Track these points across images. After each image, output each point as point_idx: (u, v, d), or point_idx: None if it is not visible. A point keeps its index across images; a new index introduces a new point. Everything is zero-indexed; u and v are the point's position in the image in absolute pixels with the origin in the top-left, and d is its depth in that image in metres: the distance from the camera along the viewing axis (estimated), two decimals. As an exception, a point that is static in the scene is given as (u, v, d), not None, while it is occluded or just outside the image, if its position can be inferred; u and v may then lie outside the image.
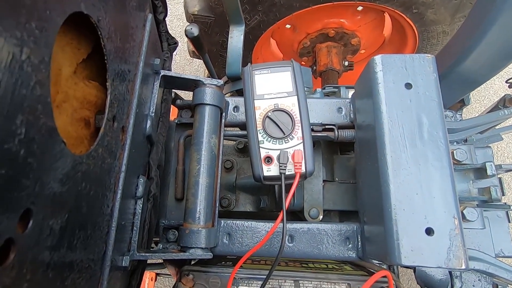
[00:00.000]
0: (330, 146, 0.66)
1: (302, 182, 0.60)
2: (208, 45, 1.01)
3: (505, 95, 0.86)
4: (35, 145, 0.18)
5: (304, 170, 0.46)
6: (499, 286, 0.74)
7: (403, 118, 0.42)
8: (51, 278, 0.21)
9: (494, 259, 0.66)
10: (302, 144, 0.47)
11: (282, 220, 0.43)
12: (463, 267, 0.35)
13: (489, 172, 0.55)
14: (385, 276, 0.38)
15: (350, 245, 0.49)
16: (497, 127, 0.77)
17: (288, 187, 0.45)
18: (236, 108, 0.58)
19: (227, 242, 0.50)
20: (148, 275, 0.98)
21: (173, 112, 0.69)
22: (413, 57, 0.44)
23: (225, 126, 0.57)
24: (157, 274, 0.99)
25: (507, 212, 0.79)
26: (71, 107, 0.29)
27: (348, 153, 0.68)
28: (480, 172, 0.58)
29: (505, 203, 0.59)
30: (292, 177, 0.46)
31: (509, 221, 0.79)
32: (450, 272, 0.72)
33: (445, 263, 0.35)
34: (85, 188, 0.26)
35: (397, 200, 0.38)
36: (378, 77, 0.44)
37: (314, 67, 1.24)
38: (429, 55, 0.45)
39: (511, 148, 1.60)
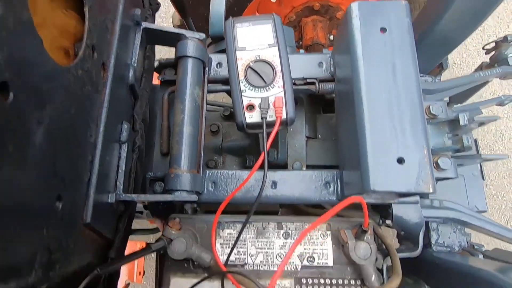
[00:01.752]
0: (313, 105, 0.68)
1: (286, 137, 0.62)
2: (193, 17, 1.01)
3: (482, 62, 0.89)
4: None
5: (285, 116, 0.48)
6: (475, 246, 0.78)
7: (379, 60, 0.44)
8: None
9: (467, 209, 0.70)
10: (283, 91, 0.49)
11: (263, 161, 0.44)
12: (431, 191, 0.38)
13: (461, 122, 0.58)
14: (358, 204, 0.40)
15: (330, 189, 0.51)
16: (477, 100, 0.79)
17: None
18: (219, 64, 0.59)
19: (212, 189, 0.52)
20: (138, 244, 0.99)
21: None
22: (387, 3, 0.46)
23: (209, 82, 0.58)
24: (147, 244, 1.00)
25: (481, 170, 0.83)
26: (50, 34, 0.30)
27: (330, 113, 0.70)
28: (454, 124, 0.60)
29: (480, 154, 0.62)
30: (273, 123, 0.48)
31: (483, 179, 0.83)
32: (427, 224, 0.76)
33: (415, 188, 0.38)
34: (67, 103, 0.27)
35: (372, 134, 0.40)
36: (354, 22, 0.46)
37: (300, 42, 1.25)
38: (403, 1, 0.46)
39: (491, 136, 1.64)
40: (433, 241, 0.77)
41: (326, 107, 0.71)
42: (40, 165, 0.23)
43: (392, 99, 0.42)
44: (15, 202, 0.21)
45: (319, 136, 0.66)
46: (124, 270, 1.05)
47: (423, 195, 0.39)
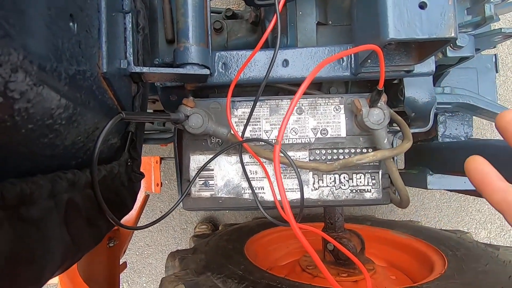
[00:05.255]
0: (323, -12, 0.63)
1: (295, 21, 0.59)
2: None
3: None
4: None
5: (297, -22, 0.44)
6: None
7: None
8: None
9: (477, 94, 0.70)
10: (293, -50, 0.44)
11: (276, 23, 0.42)
12: (453, 35, 0.36)
13: (485, -11, 0.53)
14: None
15: (343, 63, 0.50)
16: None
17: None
18: None
19: (223, 71, 0.51)
20: (153, 159, 1.03)
21: None
22: None
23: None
24: (161, 158, 1.04)
25: (495, 62, 0.80)
26: None
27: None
28: (476, -6, 0.56)
29: (501, 28, 0.59)
30: (284, -12, 0.44)
31: (497, 71, 0.81)
32: (435, 117, 0.77)
33: (436, 32, 0.36)
34: None
35: (392, -21, 0.37)
36: None
37: None
38: None
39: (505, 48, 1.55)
40: (439, 134, 0.79)
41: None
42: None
43: None
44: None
45: (330, 22, 0.62)
46: (142, 183, 1.11)
47: (444, 43, 0.38)
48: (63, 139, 0.26)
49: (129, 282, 1.59)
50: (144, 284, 1.58)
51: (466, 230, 1.31)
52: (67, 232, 0.24)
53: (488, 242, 0.99)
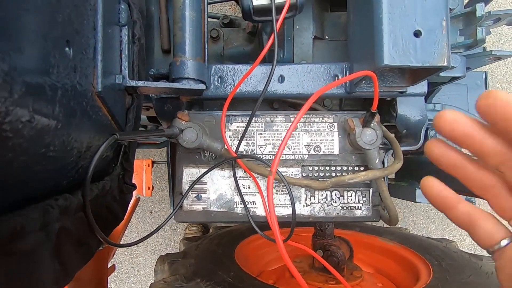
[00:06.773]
0: (321, 2, 0.63)
1: (292, 35, 0.59)
2: None
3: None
4: None
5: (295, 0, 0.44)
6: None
7: None
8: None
9: (466, 112, 0.72)
10: (292, -31, 0.44)
11: (274, 40, 0.42)
12: (445, 64, 0.37)
13: (478, 13, 0.54)
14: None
15: (338, 82, 0.51)
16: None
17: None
18: None
19: (219, 84, 0.51)
20: (144, 162, 1.02)
21: None
22: None
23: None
24: (153, 162, 1.03)
25: (485, 79, 0.82)
26: None
27: (338, 11, 0.66)
28: (469, 17, 0.57)
29: (491, 50, 0.60)
30: (282, 6, 0.44)
31: (486, 88, 0.83)
32: (425, 132, 0.79)
33: (430, 61, 0.37)
34: None
35: (390, 6, 0.38)
36: None
37: None
38: None
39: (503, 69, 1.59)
40: (429, 147, 0.80)
41: (334, 6, 0.66)
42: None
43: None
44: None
45: (326, 37, 0.63)
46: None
47: (437, 70, 0.39)
48: (56, 163, 0.26)
49: (117, 282, 1.57)
50: (132, 285, 1.57)
51: (452, 237, 1.34)
52: (58, 260, 0.24)
53: (473, 249, 1.01)
